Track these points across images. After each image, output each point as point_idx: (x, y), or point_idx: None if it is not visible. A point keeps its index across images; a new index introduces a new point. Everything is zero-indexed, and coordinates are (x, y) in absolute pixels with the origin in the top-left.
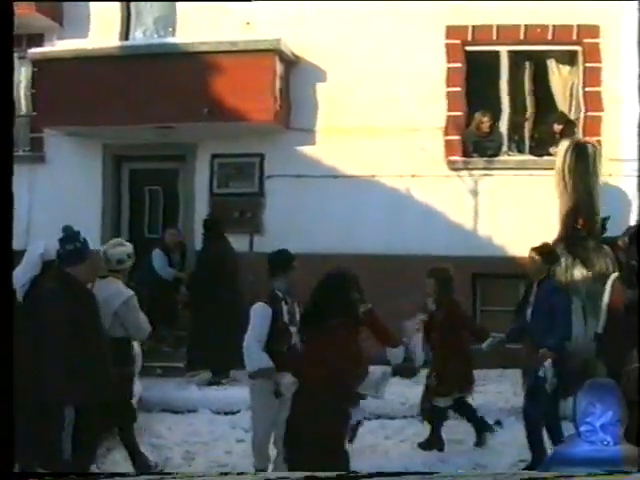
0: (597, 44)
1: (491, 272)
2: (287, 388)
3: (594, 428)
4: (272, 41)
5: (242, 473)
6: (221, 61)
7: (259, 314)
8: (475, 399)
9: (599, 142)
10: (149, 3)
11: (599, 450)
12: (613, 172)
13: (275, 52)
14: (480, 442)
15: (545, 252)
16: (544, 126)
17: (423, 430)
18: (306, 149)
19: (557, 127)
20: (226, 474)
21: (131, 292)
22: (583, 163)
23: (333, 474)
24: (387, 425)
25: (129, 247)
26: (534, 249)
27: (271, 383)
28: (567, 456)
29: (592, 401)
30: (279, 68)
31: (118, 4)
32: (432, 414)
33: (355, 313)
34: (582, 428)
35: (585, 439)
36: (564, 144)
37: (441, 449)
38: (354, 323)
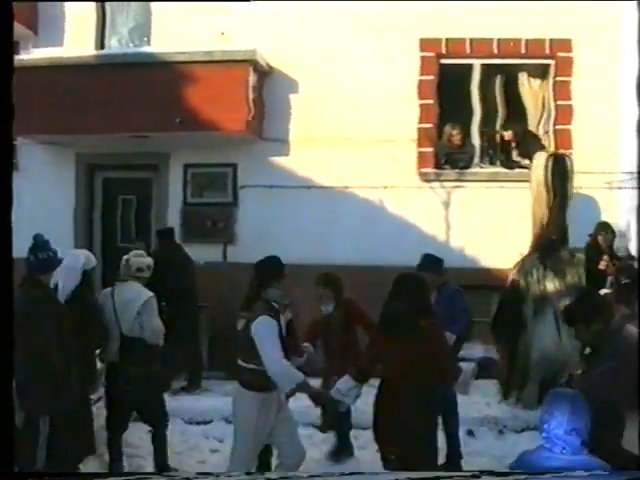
0: (570, 58)
1: (462, 283)
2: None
3: (549, 436)
4: (247, 52)
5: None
6: (195, 71)
7: (267, 328)
8: None
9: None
10: (125, 13)
11: (558, 459)
12: (583, 185)
13: (250, 62)
14: (333, 455)
15: (432, 264)
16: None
17: None
18: (279, 160)
19: (507, 134)
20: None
21: (151, 293)
22: (561, 175)
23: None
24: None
25: (149, 260)
26: (419, 266)
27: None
28: (528, 461)
29: (550, 410)
30: (253, 78)
31: (94, 13)
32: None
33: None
34: (542, 435)
35: (545, 446)
36: (541, 156)
37: (351, 454)
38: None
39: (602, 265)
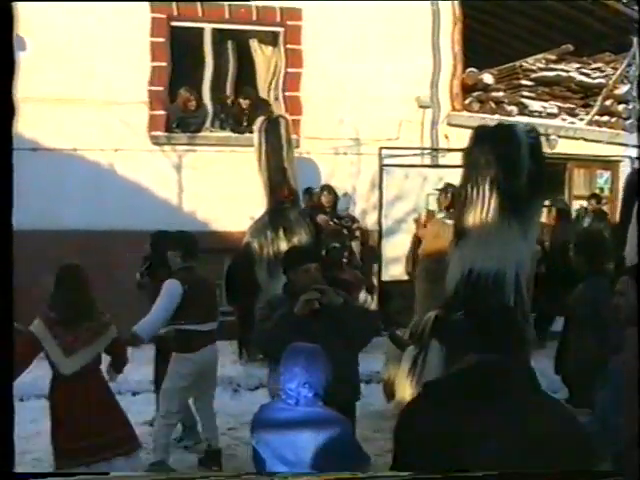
0: (299, 26)
1: None
2: None
3: (284, 389)
4: None
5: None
6: None
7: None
8: None
9: (299, 121)
10: None
11: (291, 410)
12: (312, 150)
13: None
14: None
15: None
16: (234, 103)
17: None
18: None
19: (244, 102)
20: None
21: None
22: (276, 137)
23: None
24: None
25: None
26: None
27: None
28: (265, 414)
29: (285, 364)
30: None
31: None
32: None
33: None
34: (280, 388)
35: (282, 398)
36: (259, 120)
37: None
38: None
39: (319, 220)
